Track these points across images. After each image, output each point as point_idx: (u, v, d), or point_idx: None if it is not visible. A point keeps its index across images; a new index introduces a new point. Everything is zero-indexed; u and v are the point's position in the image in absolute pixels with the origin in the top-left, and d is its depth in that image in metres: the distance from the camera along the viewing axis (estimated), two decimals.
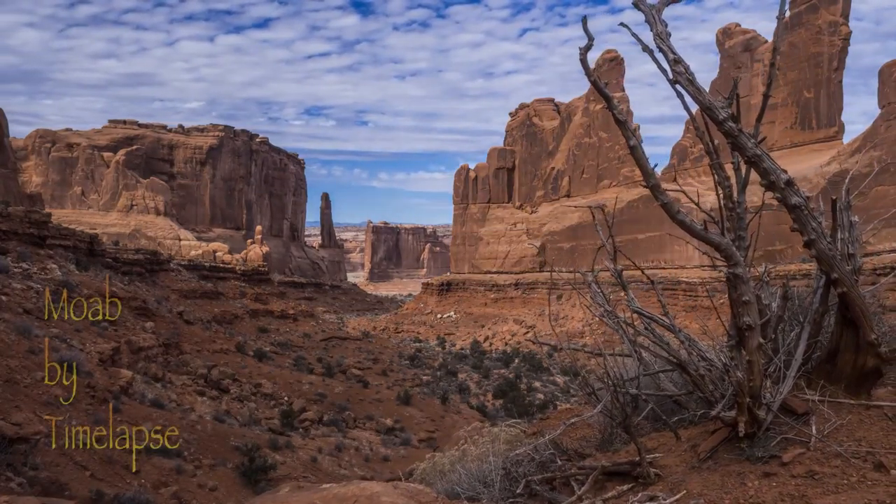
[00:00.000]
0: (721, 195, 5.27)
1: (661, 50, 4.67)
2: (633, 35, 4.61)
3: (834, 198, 5.19)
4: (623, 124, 4.86)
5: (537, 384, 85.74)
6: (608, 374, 5.34)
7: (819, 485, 4.52)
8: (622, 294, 5.96)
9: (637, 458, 5.15)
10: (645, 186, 4.80)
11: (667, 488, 4.99)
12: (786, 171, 4.80)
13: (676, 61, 4.63)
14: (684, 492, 4.83)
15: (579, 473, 5.32)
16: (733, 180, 5.33)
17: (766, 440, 4.99)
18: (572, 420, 5.94)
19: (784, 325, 5.87)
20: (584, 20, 4.73)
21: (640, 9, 4.76)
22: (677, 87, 4.79)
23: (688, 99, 4.93)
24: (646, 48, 4.70)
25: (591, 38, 4.80)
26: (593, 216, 4.91)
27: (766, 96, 5.13)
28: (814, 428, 4.98)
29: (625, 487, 5.11)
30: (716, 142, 5.05)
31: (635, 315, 5.78)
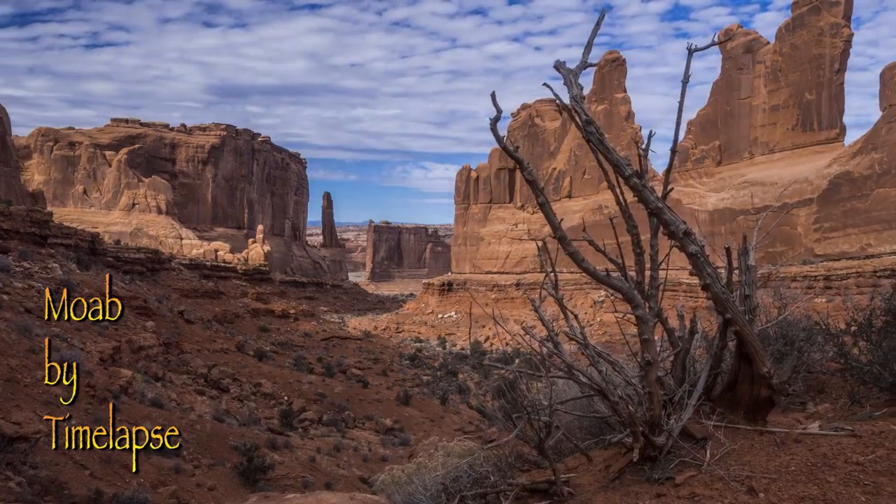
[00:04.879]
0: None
1: (575, 111, 4.95)
2: (555, 94, 4.86)
3: (727, 245, 5.50)
4: (533, 183, 5.17)
5: (538, 385, 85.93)
6: (522, 402, 5.66)
7: None
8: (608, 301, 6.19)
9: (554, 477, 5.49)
10: (553, 237, 5.09)
11: None
12: (685, 223, 5.11)
13: (588, 122, 4.92)
14: None
15: (508, 489, 5.69)
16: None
17: (666, 463, 5.36)
18: (491, 444, 6.28)
19: (692, 357, 6.21)
20: (493, 95, 5.02)
21: (559, 71, 5.05)
22: (590, 143, 5.06)
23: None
24: (565, 107, 4.97)
25: (499, 111, 5.07)
26: (542, 245, 5.15)
27: (673, 151, 5.42)
28: (708, 452, 5.34)
29: None
30: (670, 186, 5.31)
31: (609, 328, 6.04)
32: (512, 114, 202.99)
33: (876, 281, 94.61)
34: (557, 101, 5.01)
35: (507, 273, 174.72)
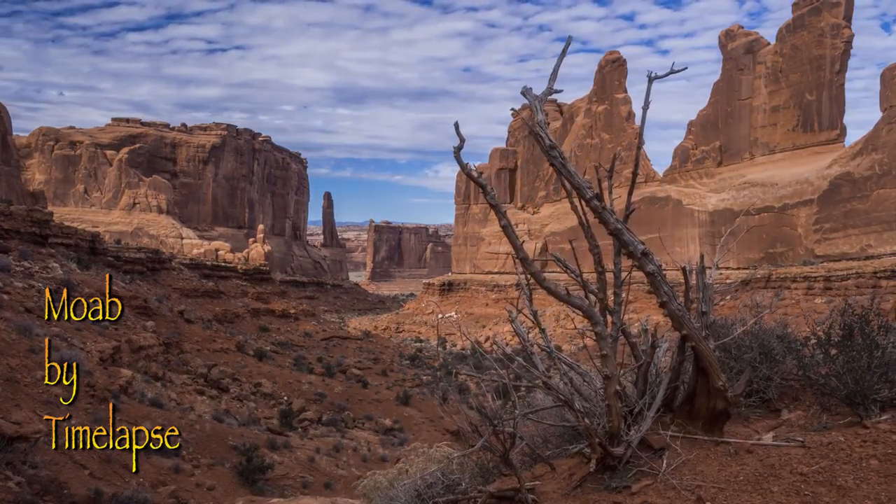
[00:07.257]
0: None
1: (539, 136, 5.14)
2: (523, 119, 5.05)
3: (684, 265, 5.66)
4: (496, 207, 5.36)
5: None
6: (486, 414, 5.84)
7: None
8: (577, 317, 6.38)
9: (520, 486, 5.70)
10: (515, 257, 5.26)
11: None
12: (643, 243, 5.28)
13: (552, 147, 5.11)
14: None
15: (478, 496, 5.90)
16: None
17: (624, 472, 5.58)
18: (456, 456, 6.49)
19: (655, 369, 6.40)
20: (457, 125, 5.20)
21: (525, 97, 5.24)
22: (554, 167, 5.24)
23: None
24: (532, 130, 5.16)
25: (462, 140, 5.26)
26: (514, 262, 5.36)
27: (634, 174, 5.58)
28: (665, 462, 5.54)
29: None
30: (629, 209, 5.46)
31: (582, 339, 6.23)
32: (512, 114, 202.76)
33: (876, 282, 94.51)
34: (528, 122, 5.19)
35: (507, 273, 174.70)
